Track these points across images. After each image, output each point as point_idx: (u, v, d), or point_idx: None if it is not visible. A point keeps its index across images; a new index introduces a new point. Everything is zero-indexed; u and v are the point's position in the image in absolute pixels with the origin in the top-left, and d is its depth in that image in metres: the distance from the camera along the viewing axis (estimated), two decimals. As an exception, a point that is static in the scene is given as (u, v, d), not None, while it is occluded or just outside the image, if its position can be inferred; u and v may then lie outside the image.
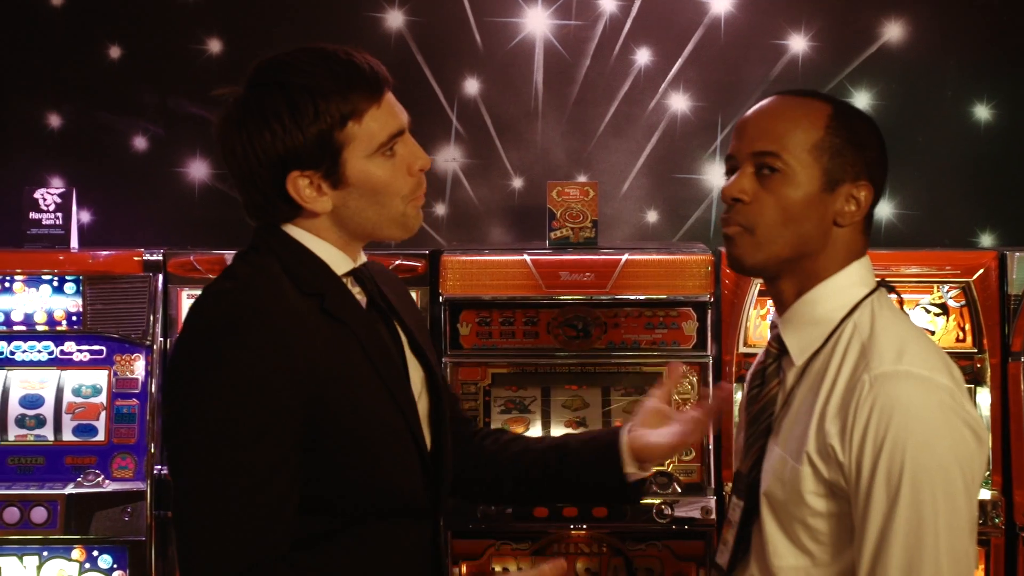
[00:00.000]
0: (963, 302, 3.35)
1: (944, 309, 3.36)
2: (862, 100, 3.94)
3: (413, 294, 3.41)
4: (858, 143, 1.87)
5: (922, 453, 1.71)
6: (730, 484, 2.37)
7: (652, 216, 4.05)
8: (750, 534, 1.94)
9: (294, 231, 1.88)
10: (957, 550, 1.72)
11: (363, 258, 1.97)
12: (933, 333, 3.35)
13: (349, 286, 1.93)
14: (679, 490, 3.30)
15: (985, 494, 3.27)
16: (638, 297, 3.38)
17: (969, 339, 3.36)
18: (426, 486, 1.92)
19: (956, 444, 1.74)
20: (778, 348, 1.95)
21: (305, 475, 1.76)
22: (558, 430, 3.42)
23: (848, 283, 1.89)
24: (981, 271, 3.34)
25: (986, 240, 3.96)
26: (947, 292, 3.36)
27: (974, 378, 3.34)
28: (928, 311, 3.36)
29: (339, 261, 1.90)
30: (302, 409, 1.74)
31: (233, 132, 1.82)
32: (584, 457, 2.13)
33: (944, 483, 1.71)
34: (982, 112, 3.96)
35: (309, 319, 1.79)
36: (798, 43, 3.97)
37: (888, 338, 1.81)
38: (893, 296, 1.97)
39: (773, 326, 1.99)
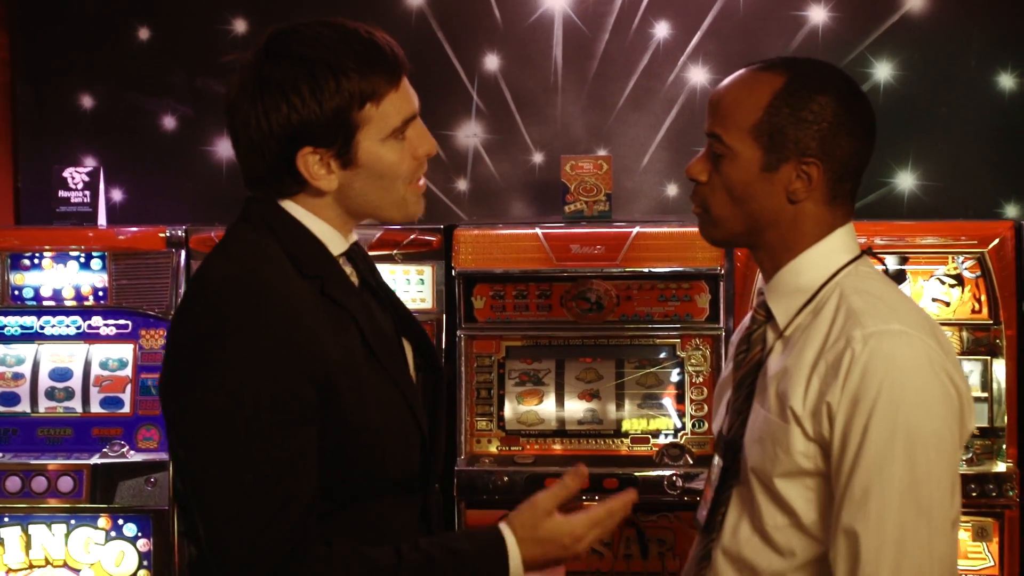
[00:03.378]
0: (978, 273, 3.32)
1: (959, 280, 3.33)
2: (884, 71, 3.91)
3: (428, 268, 3.50)
4: (805, 119, 1.85)
5: (917, 412, 1.74)
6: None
7: (672, 190, 4.05)
8: (729, 493, 1.97)
9: (292, 207, 1.85)
10: (944, 507, 1.75)
11: (354, 237, 1.94)
12: (948, 304, 3.33)
13: (342, 265, 1.91)
14: (691, 462, 3.32)
15: (1000, 466, 3.25)
16: (649, 270, 3.40)
17: (985, 310, 3.32)
18: (422, 462, 1.92)
19: (947, 403, 1.77)
20: (764, 315, 1.98)
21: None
22: (572, 402, 3.45)
23: (830, 250, 1.91)
24: (996, 241, 3.31)
25: (1011, 211, 3.91)
26: (962, 263, 3.32)
27: (990, 350, 3.31)
28: (943, 282, 3.33)
29: (335, 241, 1.88)
30: (316, 394, 1.72)
31: (247, 102, 1.77)
32: None
33: (937, 442, 1.74)
34: (1007, 81, 3.90)
35: (311, 303, 1.76)
36: (818, 14, 3.94)
37: (876, 300, 1.83)
38: (879, 266, 1.98)
39: (759, 293, 2.01)
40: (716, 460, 2.03)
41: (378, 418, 1.80)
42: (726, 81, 1.94)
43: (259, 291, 1.71)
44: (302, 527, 1.69)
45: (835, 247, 1.92)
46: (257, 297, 1.71)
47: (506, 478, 3.28)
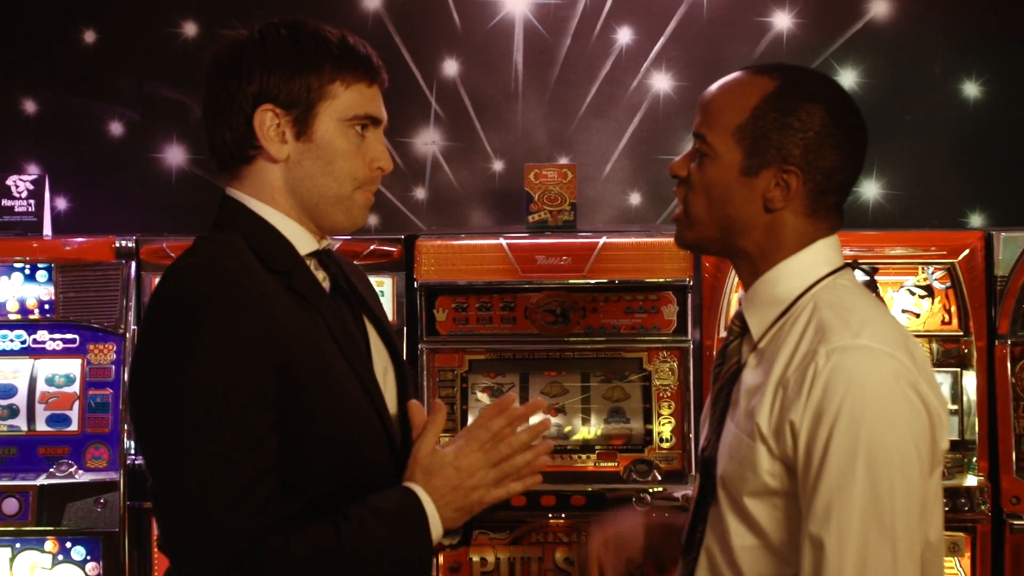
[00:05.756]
0: (948, 284, 3.29)
1: (929, 291, 3.30)
2: (848, 78, 3.87)
3: (388, 280, 3.41)
4: (791, 126, 1.80)
5: (879, 430, 1.68)
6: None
7: (635, 198, 3.98)
8: (706, 512, 1.92)
9: (255, 204, 1.87)
10: (910, 529, 1.69)
11: (327, 241, 1.96)
12: (918, 316, 3.29)
13: (313, 269, 1.92)
14: (659, 477, 3.25)
15: (971, 480, 3.22)
16: (616, 281, 3.33)
17: (955, 321, 3.29)
18: (395, 473, 1.90)
19: (913, 421, 1.71)
20: (740, 326, 1.93)
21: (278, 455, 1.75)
22: (537, 418, 3.35)
23: (811, 261, 1.87)
24: (967, 252, 3.28)
25: (976, 220, 3.89)
26: (932, 274, 3.29)
27: (960, 361, 3.29)
28: (913, 293, 3.30)
29: (302, 239, 1.90)
30: (277, 383, 1.73)
31: (230, 58, 1.85)
32: None
33: (901, 461, 1.69)
34: (971, 89, 3.88)
35: (277, 295, 1.80)
36: (782, 20, 3.90)
37: (847, 313, 1.78)
38: (864, 277, 1.94)
39: (739, 303, 1.96)
40: (697, 477, 1.99)
41: (341, 413, 1.81)
42: (719, 81, 1.90)
43: (215, 277, 1.75)
44: (261, 515, 1.68)
45: (815, 258, 1.87)
46: (212, 283, 1.74)
47: (470, 496, 3.20)
